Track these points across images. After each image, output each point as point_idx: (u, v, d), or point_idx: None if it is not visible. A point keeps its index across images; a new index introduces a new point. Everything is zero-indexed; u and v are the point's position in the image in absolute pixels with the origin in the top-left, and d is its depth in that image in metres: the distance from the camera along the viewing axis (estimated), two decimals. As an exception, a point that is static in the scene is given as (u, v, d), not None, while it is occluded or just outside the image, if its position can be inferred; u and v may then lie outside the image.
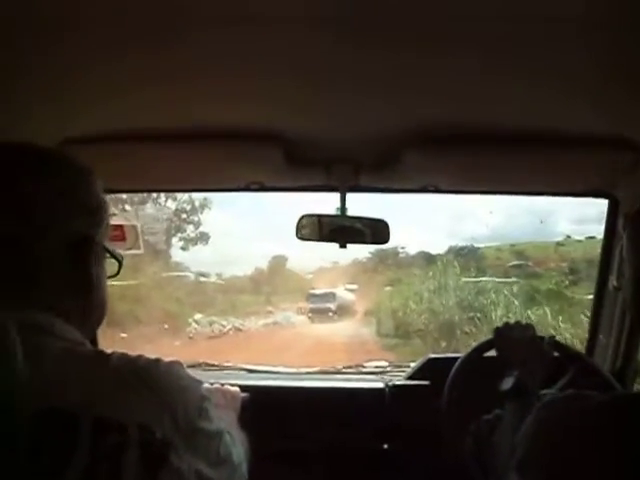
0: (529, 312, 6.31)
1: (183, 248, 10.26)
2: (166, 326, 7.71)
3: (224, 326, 9.97)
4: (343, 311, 11.87)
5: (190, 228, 10.17)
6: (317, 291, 12.30)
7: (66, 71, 0.91)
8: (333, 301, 12.02)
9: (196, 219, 10.05)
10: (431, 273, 8.78)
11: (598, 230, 1.59)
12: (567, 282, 6.65)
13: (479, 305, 7.08)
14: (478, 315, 6.72)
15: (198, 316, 9.51)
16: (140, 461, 0.55)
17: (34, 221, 0.65)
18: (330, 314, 11.66)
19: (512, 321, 1.31)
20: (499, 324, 1.32)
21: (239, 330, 10.21)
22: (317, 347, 7.83)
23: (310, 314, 11.92)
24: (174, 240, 9.80)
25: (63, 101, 1.03)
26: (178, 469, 0.58)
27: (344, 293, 12.44)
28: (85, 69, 0.90)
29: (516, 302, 6.76)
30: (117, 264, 0.77)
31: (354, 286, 12.50)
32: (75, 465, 0.53)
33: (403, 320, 8.33)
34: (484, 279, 7.44)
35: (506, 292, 6.95)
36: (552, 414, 0.65)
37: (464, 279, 7.67)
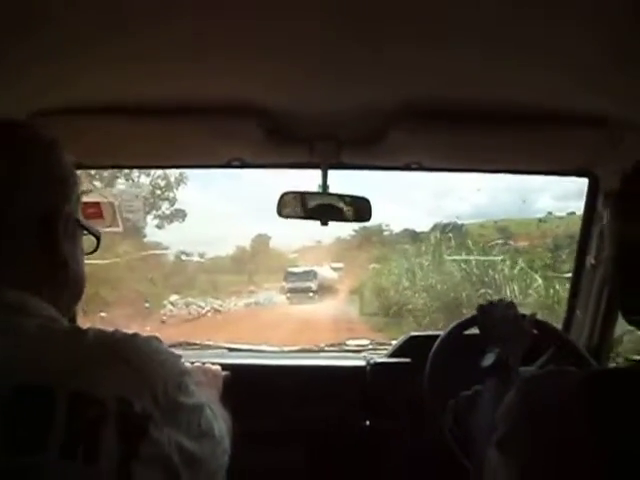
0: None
1: (158, 226, 9.92)
2: (130, 310, 7.37)
3: (202, 307, 9.55)
4: (325, 290, 11.26)
5: (165, 205, 9.85)
6: (296, 269, 11.70)
7: (40, 43, 0.87)
8: (314, 279, 11.36)
9: (171, 195, 9.64)
10: (415, 250, 8.74)
11: (578, 206, 1.61)
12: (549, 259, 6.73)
13: (486, 280, 7.01)
14: (489, 291, 6.61)
15: (174, 297, 9.10)
16: (119, 434, 0.55)
17: None
18: (310, 294, 11.01)
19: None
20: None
21: (218, 311, 9.75)
22: (300, 329, 7.49)
23: (288, 294, 11.30)
24: (149, 218, 9.49)
25: (35, 73, 0.99)
26: (158, 441, 0.58)
27: (326, 271, 11.89)
28: (59, 42, 0.87)
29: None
30: (95, 241, 0.76)
31: (339, 264, 12.06)
32: (54, 439, 0.53)
33: (395, 299, 8.07)
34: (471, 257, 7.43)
35: (504, 268, 6.94)
36: (533, 390, 0.65)
37: (452, 257, 7.67)
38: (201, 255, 10.89)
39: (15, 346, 0.57)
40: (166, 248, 10.10)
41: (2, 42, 0.86)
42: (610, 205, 0.71)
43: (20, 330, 0.59)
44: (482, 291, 6.86)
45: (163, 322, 7.93)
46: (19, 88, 1.05)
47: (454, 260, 7.61)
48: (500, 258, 7.17)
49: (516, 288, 6.65)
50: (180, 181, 9.38)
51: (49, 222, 0.66)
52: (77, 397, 0.55)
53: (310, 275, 11.49)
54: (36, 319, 0.61)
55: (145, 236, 9.66)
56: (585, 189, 1.53)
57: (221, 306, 10.09)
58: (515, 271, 6.89)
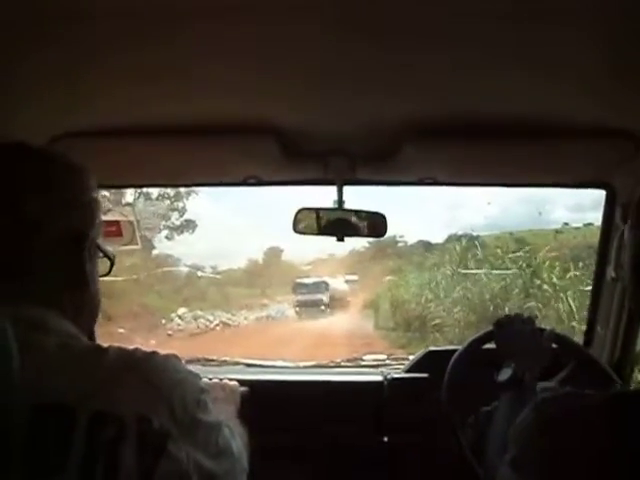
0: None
1: (167, 237, 9.63)
2: (134, 323, 7.28)
3: (210, 321, 9.18)
4: (337, 303, 10.47)
5: (175, 215, 9.50)
6: (306, 280, 10.85)
7: (60, 67, 0.90)
8: (325, 292, 10.50)
9: (181, 205, 9.23)
10: (432, 262, 8.56)
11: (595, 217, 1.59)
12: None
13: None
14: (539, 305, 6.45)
15: (182, 310, 8.82)
16: (138, 451, 0.56)
17: (26, 216, 0.65)
18: (322, 307, 10.16)
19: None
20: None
21: (227, 325, 9.35)
22: (314, 344, 7.19)
23: (297, 308, 10.41)
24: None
25: (56, 96, 1.02)
26: (177, 458, 0.58)
27: (338, 283, 11.14)
28: (79, 64, 0.89)
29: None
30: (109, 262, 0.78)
31: (354, 277, 11.45)
32: (73, 459, 0.54)
33: (418, 313, 7.78)
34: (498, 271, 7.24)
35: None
36: (552, 412, 0.64)
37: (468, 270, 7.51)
38: (213, 268, 10.55)
39: (36, 364, 0.58)
40: (176, 261, 9.77)
41: (22, 66, 0.88)
42: (630, 215, 0.71)
43: (41, 348, 0.60)
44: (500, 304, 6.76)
45: (169, 336, 7.85)
46: (40, 112, 1.07)
47: (470, 273, 7.50)
48: (514, 271, 7.06)
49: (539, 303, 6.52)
50: (191, 191, 8.92)
51: (77, 245, 0.70)
52: (97, 416, 0.56)
53: (321, 287, 10.64)
54: (57, 337, 0.62)
55: (154, 248, 9.43)
56: (602, 200, 1.51)
57: (230, 319, 9.69)
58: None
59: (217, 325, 9.28)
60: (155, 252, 9.46)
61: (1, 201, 0.65)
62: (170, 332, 7.85)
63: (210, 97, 1.05)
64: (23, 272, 0.66)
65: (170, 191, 8.78)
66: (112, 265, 0.78)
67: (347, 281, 11.58)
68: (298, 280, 10.84)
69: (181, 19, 0.77)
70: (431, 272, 8.43)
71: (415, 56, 0.89)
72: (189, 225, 9.71)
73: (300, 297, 10.64)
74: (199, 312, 9.19)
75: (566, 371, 1.33)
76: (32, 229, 0.66)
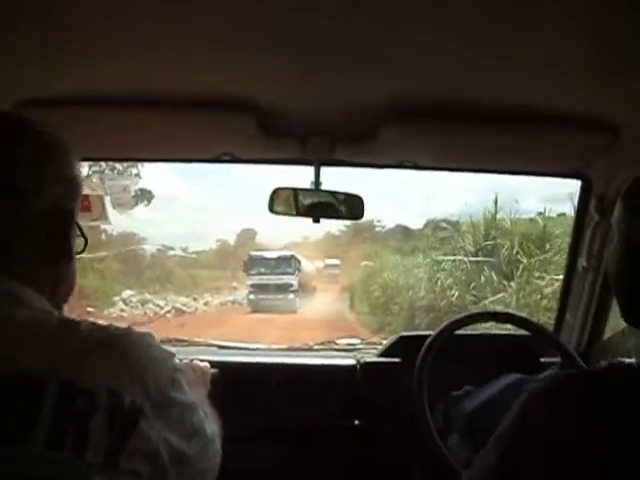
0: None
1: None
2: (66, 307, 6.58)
3: (160, 307, 7.59)
4: (309, 289, 7.70)
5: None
6: (266, 253, 7.70)
7: (33, 33, 0.87)
8: (293, 272, 7.34)
9: (134, 172, 7.70)
10: (408, 248, 8.50)
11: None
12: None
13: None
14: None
15: (127, 293, 7.42)
16: (108, 426, 0.55)
17: (10, 189, 0.64)
18: (289, 294, 7.17)
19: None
20: None
21: (180, 312, 7.66)
22: (281, 336, 6.09)
23: (251, 296, 7.30)
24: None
25: (27, 62, 0.98)
26: (147, 436, 0.58)
27: (310, 264, 8.50)
28: (52, 31, 0.86)
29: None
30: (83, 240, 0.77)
31: (335, 261, 9.58)
32: (39, 429, 0.53)
33: (392, 297, 7.46)
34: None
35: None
36: (534, 407, 0.64)
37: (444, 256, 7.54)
38: (183, 249, 9.01)
39: (5, 335, 0.57)
40: (141, 240, 8.35)
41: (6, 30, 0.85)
42: (623, 201, 0.71)
43: (11, 320, 0.59)
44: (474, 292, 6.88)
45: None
46: (9, 77, 1.03)
47: (446, 259, 7.58)
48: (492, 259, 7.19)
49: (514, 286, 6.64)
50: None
51: (62, 220, 0.69)
52: (67, 387, 0.55)
53: (288, 264, 7.43)
54: (29, 310, 0.61)
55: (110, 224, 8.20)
56: (577, 191, 1.53)
57: (186, 305, 8.02)
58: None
59: (168, 312, 7.68)
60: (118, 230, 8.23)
61: None
62: (101, 321, 6.39)
63: (186, 70, 1.02)
64: (4, 246, 0.64)
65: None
66: (86, 242, 0.77)
67: (327, 266, 9.79)
68: (254, 253, 7.68)
69: None
70: (408, 258, 8.39)
71: (399, 37, 0.88)
72: (144, 195, 8.24)
73: (255, 279, 7.47)
74: (148, 296, 7.74)
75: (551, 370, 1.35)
76: (19, 203, 0.64)
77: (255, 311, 7.03)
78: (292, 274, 7.24)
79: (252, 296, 7.18)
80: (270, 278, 7.13)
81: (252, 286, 7.17)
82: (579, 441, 0.57)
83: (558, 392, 0.63)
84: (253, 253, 7.43)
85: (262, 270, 7.21)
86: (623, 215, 0.70)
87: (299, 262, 7.28)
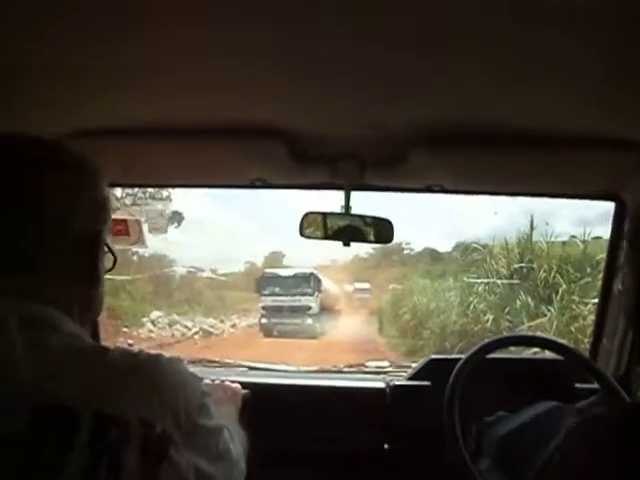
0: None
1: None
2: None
3: (188, 328, 7.31)
4: (330, 313, 6.63)
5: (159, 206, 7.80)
6: (282, 271, 6.83)
7: (67, 66, 0.90)
8: (313, 292, 6.34)
9: (165, 194, 7.45)
10: (437, 271, 8.34)
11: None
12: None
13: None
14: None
15: (155, 314, 7.15)
16: (141, 455, 0.55)
17: (41, 214, 0.65)
18: (308, 320, 6.14)
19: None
20: None
21: (207, 333, 7.39)
22: (311, 356, 5.70)
23: (263, 320, 6.45)
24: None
25: (62, 95, 1.02)
26: (177, 464, 0.58)
27: (332, 284, 7.47)
28: (86, 62, 0.89)
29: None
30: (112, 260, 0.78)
31: (366, 285, 8.92)
32: (75, 460, 0.53)
33: (423, 321, 7.29)
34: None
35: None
36: (577, 440, 0.63)
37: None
38: (212, 271, 8.90)
39: (39, 364, 0.57)
40: (171, 262, 8.28)
41: (27, 64, 0.88)
42: (631, 232, 0.70)
43: (45, 347, 0.59)
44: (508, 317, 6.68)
45: (130, 346, 6.79)
46: (46, 111, 1.07)
47: (479, 282, 7.41)
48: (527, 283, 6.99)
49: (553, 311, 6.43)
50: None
51: (92, 243, 0.70)
52: (100, 417, 0.55)
53: (307, 283, 6.35)
54: (62, 336, 0.62)
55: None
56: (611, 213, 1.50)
57: (213, 327, 7.74)
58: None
59: (195, 333, 7.45)
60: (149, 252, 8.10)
61: (22, 198, 0.65)
62: (130, 341, 5.86)
63: (219, 97, 1.05)
64: (35, 269, 0.65)
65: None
66: (115, 262, 0.78)
67: (357, 289, 9.19)
68: (268, 271, 6.64)
69: (189, 19, 0.77)
70: (437, 281, 8.26)
71: (429, 63, 0.89)
72: (174, 218, 7.96)
73: (269, 302, 6.51)
74: (176, 317, 7.50)
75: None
76: (50, 228, 0.66)
77: (267, 337, 6.17)
78: (311, 295, 6.34)
79: (264, 320, 6.34)
80: (285, 300, 6.26)
81: (264, 308, 6.30)
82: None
83: (593, 433, 0.62)
84: (267, 271, 6.53)
85: (276, 290, 6.37)
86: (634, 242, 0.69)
87: (319, 281, 6.36)
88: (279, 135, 1.19)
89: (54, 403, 0.55)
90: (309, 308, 6.29)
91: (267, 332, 6.39)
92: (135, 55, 0.88)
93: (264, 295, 6.45)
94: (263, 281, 6.41)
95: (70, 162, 0.70)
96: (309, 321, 6.21)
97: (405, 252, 10.52)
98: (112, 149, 1.19)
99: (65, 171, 0.68)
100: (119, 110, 1.11)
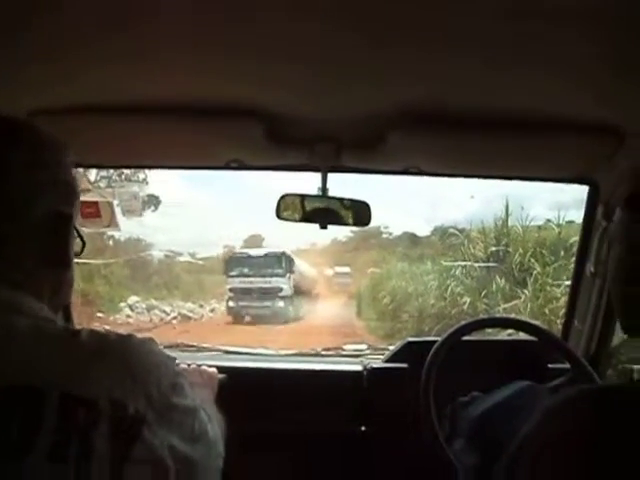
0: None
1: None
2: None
3: (166, 313, 7.24)
4: (305, 296, 6.20)
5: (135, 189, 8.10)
6: (252, 251, 6.31)
7: (39, 41, 0.87)
8: (285, 273, 5.90)
9: (142, 177, 6.97)
10: (415, 254, 8.45)
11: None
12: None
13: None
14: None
15: (133, 299, 7.09)
16: (112, 436, 0.55)
17: (10, 196, 0.64)
18: (279, 302, 5.72)
19: None
20: None
21: (186, 318, 7.33)
22: (290, 340, 5.55)
23: (230, 302, 6.00)
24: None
25: (34, 71, 0.99)
26: (151, 444, 0.58)
27: (307, 266, 7.20)
28: (58, 39, 0.87)
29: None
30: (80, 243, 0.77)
31: (346, 269, 8.89)
32: (42, 441, 0.53)
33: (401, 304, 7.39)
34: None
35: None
36: (551, 422, 0.63)
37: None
38: (191, 255, 8.84)
39: (6, 346, 0.57)
40: (148, 246, 8.20)
41: (0, 39, 0.85)
42: (603, 216, 0.71)
43: (12, 330, 0.58)
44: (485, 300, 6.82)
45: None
46: (18, 87, 1.04)
47: (456, 265, 7.52)
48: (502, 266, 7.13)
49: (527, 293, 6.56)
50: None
51: (61, 225, 0.68)
52: (68, 398, 0.55)
53: (278, 263, 5.94)
54: (30, 319, 0.61)
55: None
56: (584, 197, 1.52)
57: (192, 311, 7.76)
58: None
59: (174, 318, 7.34)
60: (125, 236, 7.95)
61: None
62: (107, 327, 5.58)
63: (194, 78, 1.03)
64: (1, 253, 0.64)
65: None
66: (84, 247, 0.77)
67: (337, 274, 9.18)
68: (237, 251, 6.23)
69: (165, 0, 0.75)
70: (416, 264, 8.36)
71: (404, 46, 0.88)
72: (150, 201, 7.71)
73: (237, 281, 6.03)
74: (154, 302, 7.39)
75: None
76: (15, 209, 0.64)
77: (235, 322, 5.73)
78: (282, 276, 5.90)
79: (231, 303, 5.86)
80: (254, 281, 5.80)
81: (232, 290, 5.82)
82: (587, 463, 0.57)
83: (569, 411, 0.62)
84: (236, 251, 6.12)
85: (245, 271, 5.91)
86: (622, 219, 0.70)
87: (291, 261, 6.00)
88: (255, 116, 1.17)
89: (21, 384, 0.54)
90: (280, 290, 5.92)
91: (235, 316, 5.94)
92: (110, 36, 0.85)
93: (231, 276, 6.03)
94: (232, 261, 6.00)
95: (34, 141, 0.68)
96: (280, 304, 5.86)
97: (384, 236, 10.57)
98: (81, 129, 1.15)
99: (28, 150, 0.66)
100: (91, 89, 1.08)
